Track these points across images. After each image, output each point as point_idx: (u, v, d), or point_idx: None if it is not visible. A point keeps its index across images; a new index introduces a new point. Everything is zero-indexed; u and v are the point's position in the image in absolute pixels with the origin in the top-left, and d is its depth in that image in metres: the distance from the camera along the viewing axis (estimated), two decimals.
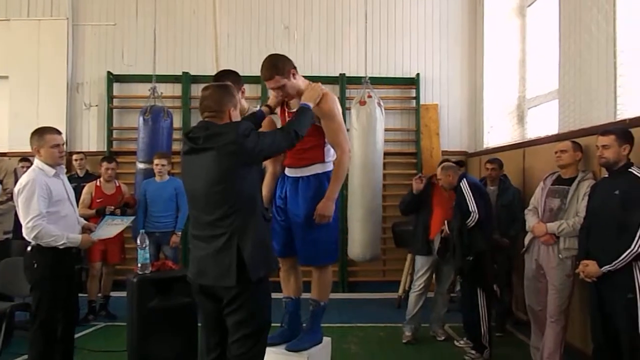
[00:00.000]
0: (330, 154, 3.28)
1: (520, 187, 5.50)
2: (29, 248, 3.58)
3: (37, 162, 3.65)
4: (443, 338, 5.12)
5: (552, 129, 5.40)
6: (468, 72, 7.71)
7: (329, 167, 3.26)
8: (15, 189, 3.62)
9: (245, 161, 2.64)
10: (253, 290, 2.68)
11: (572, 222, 3.93)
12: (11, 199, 4.76)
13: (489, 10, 7.26)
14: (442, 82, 7.72)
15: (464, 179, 4.61)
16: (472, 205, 4.46)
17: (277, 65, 3.10)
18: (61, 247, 3.55)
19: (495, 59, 7.15)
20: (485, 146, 7.22)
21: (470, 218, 4.44)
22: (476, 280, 4.56)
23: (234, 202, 2.63)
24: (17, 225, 5.00)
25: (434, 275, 5.12)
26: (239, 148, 2.59)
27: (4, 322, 4.20)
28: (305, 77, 3.33)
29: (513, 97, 6.95)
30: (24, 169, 5.72)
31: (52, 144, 3.64)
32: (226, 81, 3.40)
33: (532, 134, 6.39)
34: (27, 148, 6.94)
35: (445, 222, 4.76)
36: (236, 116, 2.80)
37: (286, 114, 3.32)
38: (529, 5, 6.68)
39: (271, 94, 3.31)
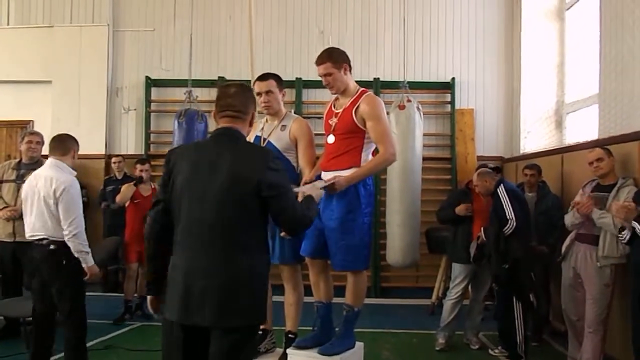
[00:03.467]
0: (369, 159, 3.27)
1: (559, 194, 5.38)
2: (52, 246, 3.61)
3: (68, 165, 3.80)
4: (477, 347, 5.04)
5: (592, 135, 5.27)
6: (505, 76, 7.60)
7: None
8: (57, 187, 3.60)
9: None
10: None
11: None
12: None
13: (527, 13, 7.14)
14: (478, 86, 7.63)
15: (502, 185, 4.52)
16: (509, 212, 4.37)
17: (333, 55, 3.26)
18: (77, 255, 3.62)
19: (533, 62, 7.03)
20: (521, 151, 7.09)
21: (508, 225, 4.36)
22: (512, 289, 4.47)
23: None
24: None
25: (470, 283, 5.05)
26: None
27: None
28: None
29: (551, 102, 6.81)
30: None
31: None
32: (271, 81, 3.46)
33: (570, 139, 6.25)
34: None
35: (482, 228, 4.69)
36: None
37: (333, 114, 3.34)
38: (568, 9, 6.56)
39: (305, 173, 3.39)
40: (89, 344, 4.51)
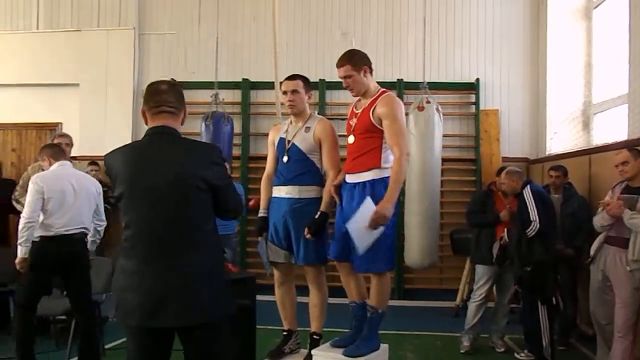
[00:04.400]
0: (389, 159, 3.26)
1: (586, 196, 5.30)
2: (85, 238, 4.21)
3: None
4: (503, 350, 4.98)
5: (621, 135, 5.18)
6: (530, 77, 7.50)
7: (386, 173, 3.24)
8: (97, 186, 4.31)
9: None
10: None
11: None
12: None
13: (553, 12, 7.04)
14: (503, 86, 7.54)
15: (528, 186, 4.46)
16: (533, 214, 4.30)
17: (353, 57, 3.31)
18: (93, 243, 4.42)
19: (559, 62, 6.92)
20: (547, 153, 7.00)
21: (531, 227, 4.30)
22: (535, 292, 4.41)
23: None
24: None
25: (494, 286, 5.00)
26: None
27: (74, 318, 4.39)
28: None
29: (578, 102, 6.71)
30: (93, 172, 6.02)
31: None
32: (298, 81, 3.49)
33: (598, 140, 6.15)
34: (95, 152, 7.33)
35: (505, 230, 4.64)
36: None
37: (354, 115, 3.39)
38: (596, 7, 6.45)
39: (329, 175, 3.44)
40: (113, 344, 4.60)
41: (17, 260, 3.92)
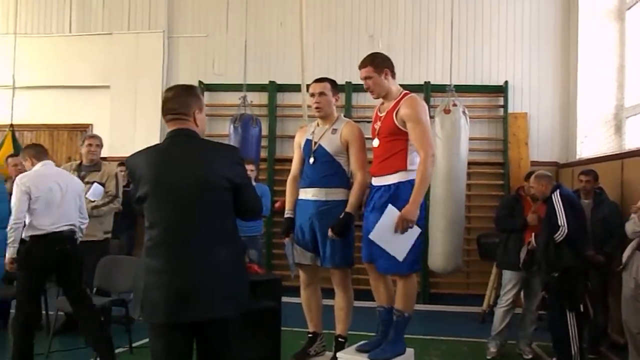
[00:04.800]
0: (415, 162, 3.24)
1: (618, 201, 5.18)
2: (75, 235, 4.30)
3: None
4: (530, 357, 4.90)
5: None
6: (561, 79, 7.37)
7: (412, 175, 3.22)
8: (82, 188, 4.45)
9: None
10: None
11: None
12: (112, 201, 5.07)
13: (584, 13, 6.91)
14: (533, 89, 7.43)
15: (557, 190, 4.37)
16: (562, 219, 4.22)
17: (375, 59, 3.35)
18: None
19: (591, 65, 6.79)
20: (578, 157, 6.87)
21: (559, 232, 4.21)
22: (563, 298, 4.33)
23: None
24: (116, 225, 5.36)
25: (522, 291, 4.93)
26: None
27: (103, 316, 4.47)
28: None
29: (610, 105, 6.58)
30: (123, 173, 6.12)
31: None
32: (326, 84, 3.50)
33: (631, 144, 6.01)
34: (124, 153, 7.44)
35: (533, 234, 4.57)
36: (202, 119, 2.57)
37: (378, 119, 3.40)
38: (629, 8, 6.32)
39: (357, 177, 3.43)
40: (141, 342, 4.67)
41: (6, 261, 4.02)
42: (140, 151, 2.51)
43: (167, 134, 2.51)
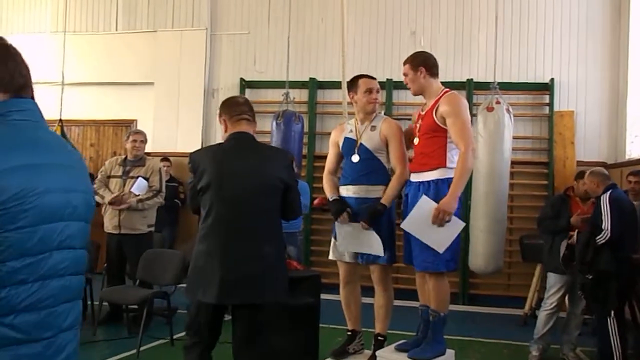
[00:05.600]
0: (454, 159, 3.23)
1: None
2: None
3: None
4: None
5: None
6: (609, 76, 7.13)
7: (451, 173, 3.21)
8: None
9: None
10: None
11: None
12: (156, 195, 5.17)
13: (636, 6, 6.65)
14: (580, 87, 7.21)
15: (608, 192, 4.17)
16: (606, 222, 4.06)
17: (415, 57, 3.44)
18: None
19: None
20: (627, 157, 6.63)
21: (601, 235, 4.06)
22: (597, 302, 4.19)
23: None
24: (159, 219, 5.47)
25: (567, 295, 4.79)
26: None
27: (146, 307, 4.57)
28: None
29: None
30: (165, 168, 6.25)
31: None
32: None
33: None
34: (167, 149, 7.59)
35: (576, 232, 4.42)
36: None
37: (420, 117, 3.44)
38: None
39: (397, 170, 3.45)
40: (179, 335, 4.75)
41: None
42: (205, 148, 2.95)
43: (231, 135, 2.81)
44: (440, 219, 3.07)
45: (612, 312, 4.06)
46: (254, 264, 2.67)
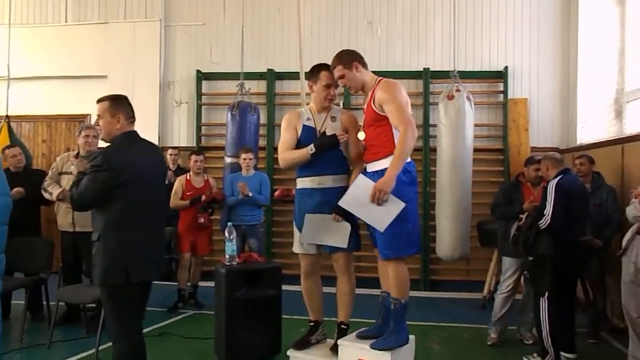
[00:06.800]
0: None
1: (618, 186, 5.16)
2: None
3: None
4: (531, 342, 4.89)
5: None
6: (561, 64, 7.33)
7: None
8: None
9: None
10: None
11: None
12: None
13: (585, 0, 6.84)
14: (532, 75, 7.39)
15: (557, 179, 4.26)
16: (548, 208, 4.16)
17: (342, 57, 3.41)
18: None
19: (591, 49, 6.74)
20: (578, 142, 6.84)
21: (542, 220, 4.17)
22: (534, 283, 4.33)
23: None
24: None
25: (522, 278, 4.92)
26: None
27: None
28: (388, 72, 3.44)
29: (610, 90, 6.53)
30: (173, 156, 6.11)
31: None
32: (337, 66, 3.44)
33: (631, 129, 5.98)
34: None
35: (526, 215, 4.51)
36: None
37: (363, 111, 3.48)
38: None
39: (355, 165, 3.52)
40: (144, 331, 4.66)
41: None
42: (114, 146, 3.14)
43: (130, 133, 3.21)
44: (377, 198, 3.07)
45: (546, 294, 4.17)
46: (159, 243, 3.28)
